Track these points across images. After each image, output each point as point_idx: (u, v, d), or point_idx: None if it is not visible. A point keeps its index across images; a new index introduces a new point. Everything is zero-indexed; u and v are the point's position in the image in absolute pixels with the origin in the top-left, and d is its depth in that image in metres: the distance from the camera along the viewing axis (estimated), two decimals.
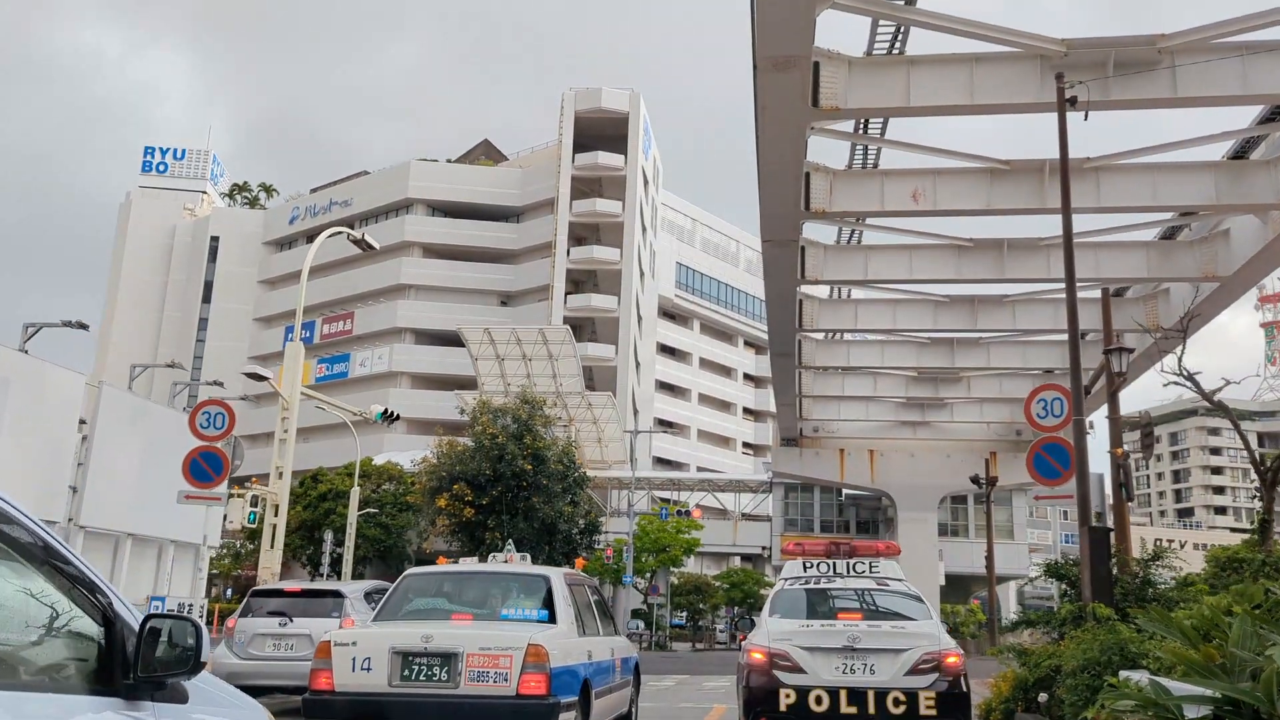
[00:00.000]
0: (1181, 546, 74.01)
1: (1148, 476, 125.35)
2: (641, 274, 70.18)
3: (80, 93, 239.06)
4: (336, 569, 39.49)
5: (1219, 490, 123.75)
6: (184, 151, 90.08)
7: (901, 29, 16.25)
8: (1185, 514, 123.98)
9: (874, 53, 16.78)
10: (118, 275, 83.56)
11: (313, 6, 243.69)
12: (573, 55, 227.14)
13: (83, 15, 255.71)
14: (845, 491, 50.97)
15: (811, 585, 9.76)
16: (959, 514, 51.39)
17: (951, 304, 28.61)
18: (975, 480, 37.73)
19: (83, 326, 30.07)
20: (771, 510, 55.54)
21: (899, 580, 9.81)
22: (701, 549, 52.83)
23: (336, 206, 75.72)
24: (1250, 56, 15.49)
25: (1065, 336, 25.26)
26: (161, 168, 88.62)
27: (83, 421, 25.25)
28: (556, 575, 8.78)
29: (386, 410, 25.05)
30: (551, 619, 8.12)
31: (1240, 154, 19.53)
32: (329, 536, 40.54)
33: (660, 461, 70.95)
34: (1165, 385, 14.14)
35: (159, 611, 3.03)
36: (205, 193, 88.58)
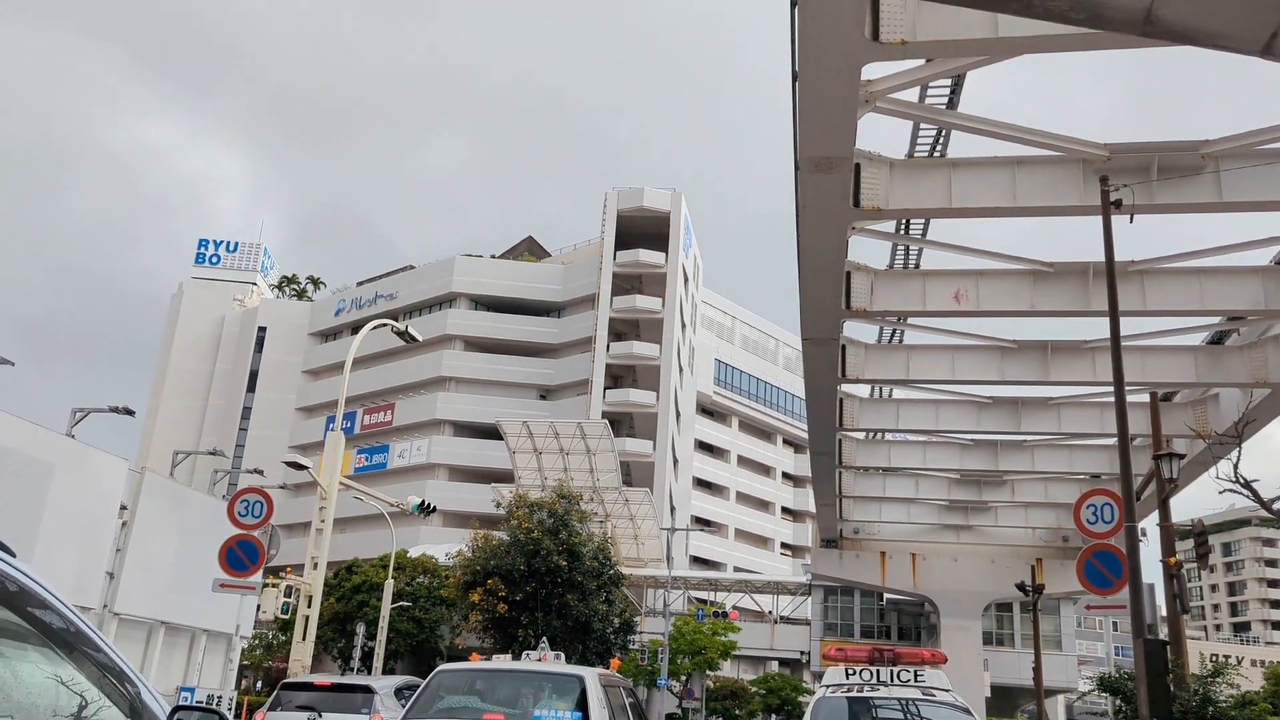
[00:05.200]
0: (1239, 662, 71.06)
1: (1201, 588, 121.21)
2: (680, 370, 70.33)
3: (137, 184, 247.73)
4: (367, 663, 38.98)
5: (1276, 604, 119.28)
6: (236, 244, 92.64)
7: (943, 132, 16.43)
8: (1241, 628, 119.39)
9: (916, 155, 16.95)
10: (166, 363, 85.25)
11: (364, 105, 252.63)
12: (616, 155, 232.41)
13: (145, 109, 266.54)
14: (886, 596, 49.79)
15: (854, 694, 9.43)
16: (1004, 623, 49.87)
17: (995, 405, 28.25)
18: (1021, 588, 36.66)
19: (129, 412, 30.56)
20: (810, 614, 54.28)
21: (946, 690, 9.45)
22: (738, 652, 51.63)
23: (381, 299, 77.10)
24: None
25: (1112, 441, 24.81)
26: (214, 259, 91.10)
27: (123, 507, 25.42)
28: (591, 676, 8.57)
29: (423, 502, 25.03)
30: None
31: None
32: (361, 629, 40.18)
33: (697, 561, 69.93)
34: (1221, 493, 13.74)
35: (188, 703, 2.96)
36: (255, 284, 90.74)
